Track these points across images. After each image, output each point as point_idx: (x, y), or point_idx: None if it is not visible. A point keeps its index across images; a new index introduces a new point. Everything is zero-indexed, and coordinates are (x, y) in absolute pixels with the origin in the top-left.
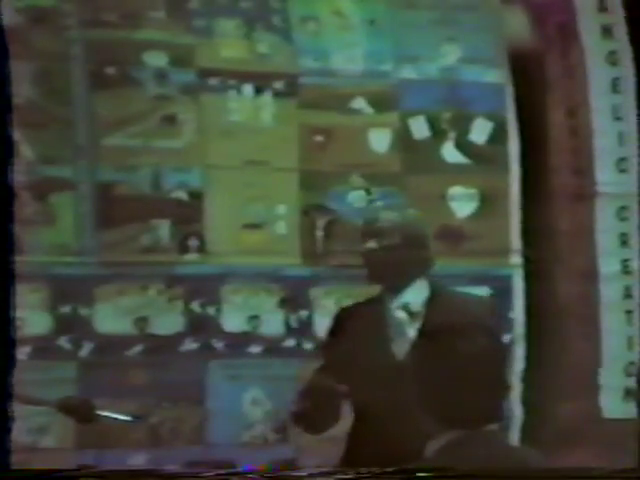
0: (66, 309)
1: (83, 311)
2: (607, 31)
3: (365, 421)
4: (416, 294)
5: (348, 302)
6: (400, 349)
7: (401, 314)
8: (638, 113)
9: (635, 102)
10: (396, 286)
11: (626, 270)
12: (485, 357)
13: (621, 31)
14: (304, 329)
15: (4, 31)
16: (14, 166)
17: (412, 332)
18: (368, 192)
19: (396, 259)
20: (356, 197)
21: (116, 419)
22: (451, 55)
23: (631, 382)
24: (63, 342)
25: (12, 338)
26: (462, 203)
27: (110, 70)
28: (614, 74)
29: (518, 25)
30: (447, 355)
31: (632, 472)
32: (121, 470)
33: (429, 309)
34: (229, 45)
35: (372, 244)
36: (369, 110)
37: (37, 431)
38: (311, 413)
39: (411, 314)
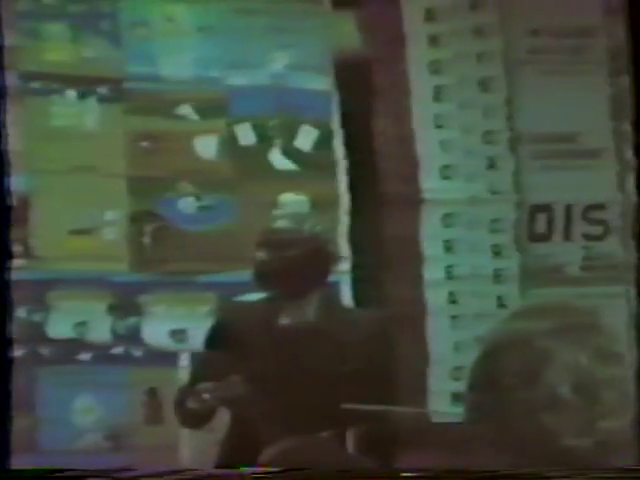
0: None
1: None
2: (433, 40)
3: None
4: (306, 306)
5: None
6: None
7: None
8: (637, 116)
9: (633, 105)
10: (288, 295)
11: (449, 276)
12: (326, 363)
13: (448, 40)
14: (132, 336)
15: None
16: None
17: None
18: (197, 199)
19: (291, 270)
20: (185, 204)
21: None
22: (280, 62)
23: (458, 386)
24: None
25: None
26: (292, 209)
27: None
28: (436, 82)
29: (347, 33)
30: (291, 360)
31: (633, 472)
32: (121, 470)
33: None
34: (54, 49)
35: (262, 254)
36: (195, 117)
37: None
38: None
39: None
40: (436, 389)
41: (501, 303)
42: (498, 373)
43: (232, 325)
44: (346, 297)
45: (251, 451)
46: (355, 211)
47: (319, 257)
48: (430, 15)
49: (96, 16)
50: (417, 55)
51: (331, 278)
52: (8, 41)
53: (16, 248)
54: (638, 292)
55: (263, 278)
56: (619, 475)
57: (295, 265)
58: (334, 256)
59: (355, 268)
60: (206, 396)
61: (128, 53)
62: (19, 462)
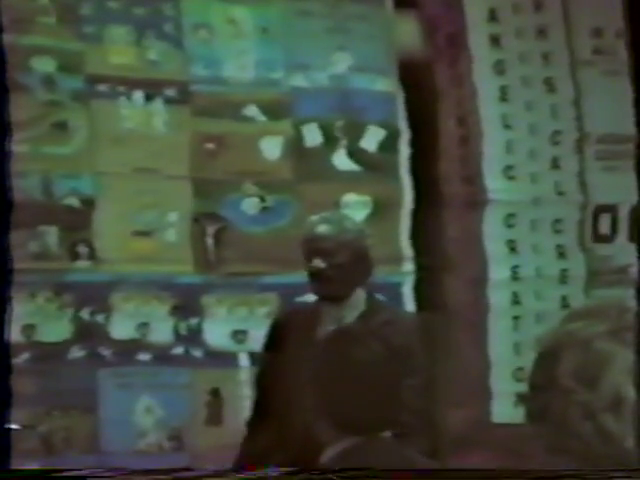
0: None
1: None
2: (495, 40)
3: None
4: (351, 308)
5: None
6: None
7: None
8: (638, 117)
9: (634, 107)
10: (337, 297)
11: (515, 276)
12: (380, 364)
13: (509, 41)
14: (193, 337)
15: None
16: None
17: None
18: (262, 199)
19: (343, 276)
20: (249, 205)
21: (6, 428)
22: (342, 63)
23: (520, 387)
24: None
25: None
26: (354, 211)
27: None
28: (502, 82)
29: (409, 34)
30: (342, 361)
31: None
32: (123, 470)
33: (363, 320)
34: (119, 52)
35: (319, 262)
36: (261, 117)
37: None
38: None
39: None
40: (498, 390)
41: (565, 304)
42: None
43: (288, 327)
44: (408, 298)
45: (311, 453)
46: (418, 212)
47: (363, 259)
48: (492, 15)
49: (159, 19)
50: (480, 55)
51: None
52: (73, 45)
53: (80, 250)
54: (637, 295)
55: (316, 285)
56: (621, 475)
57: (343, 270)
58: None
59: (418, 269)
60: None
61: (190, 55)
62: (81, 463)
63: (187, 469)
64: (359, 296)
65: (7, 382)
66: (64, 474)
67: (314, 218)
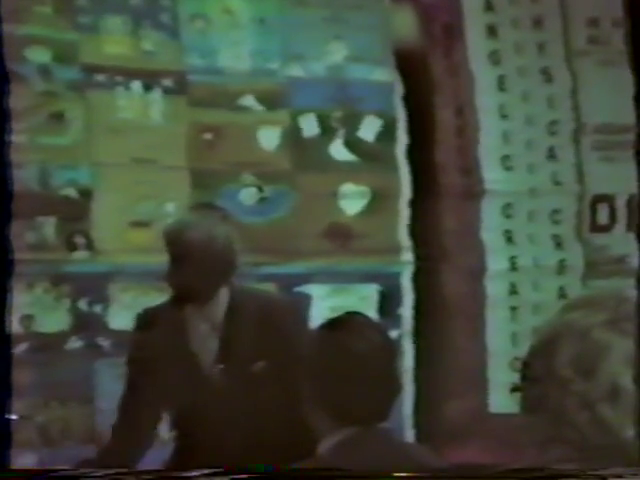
0: None
1: None
2: (491, 30)
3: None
4: (218, 305)
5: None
6: (205, 361)
7: (204, 326)
8: (637, 114)
9: (634, 103)
10: (199, 297)
11: (512, 267)
12: (378, 354)
13: (506, 30)
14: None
15: None
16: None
17: (214, 343)
18: (259, 190)
19: (203, 279)
20: (247, 195)
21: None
22: (338, 53)
23: (517, 378)
24: None
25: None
26: (352, 201)
27: None
28: (498, 72)
29: (406, 24)
30: (339, 351)
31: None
32: (123, 471)
33: (231, 316)
34: (114, 42)
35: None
36: (259, 108)
37: None
38: None
39: (214, 325)
40: (495, 381)
41: (562, 294)
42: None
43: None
44: (407, 288)
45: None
46: (416, 202)
47: (220, 261)
48: (489, 5)
49: (155, 9)
50: (476, 45)
51: None
52: (68, 35)
53: (78, 240)
54: (638, 285)
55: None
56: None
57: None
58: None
59: (416, 259)
60: None
61: (186, 45)
62: (80, 453)
63: (179, 469)
64: (222, 294)
65: (8, 373)
66: (62, 473)
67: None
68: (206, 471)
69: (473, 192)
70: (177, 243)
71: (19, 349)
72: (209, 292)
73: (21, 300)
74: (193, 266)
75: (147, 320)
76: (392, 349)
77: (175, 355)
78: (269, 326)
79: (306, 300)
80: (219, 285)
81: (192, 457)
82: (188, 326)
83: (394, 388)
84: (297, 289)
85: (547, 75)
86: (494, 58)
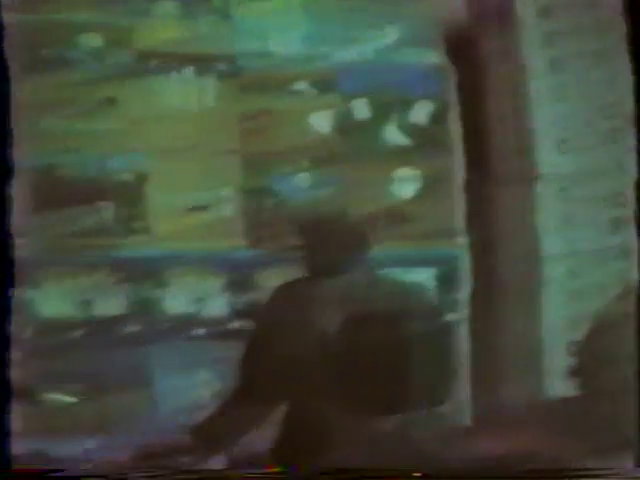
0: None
1: (27, 294)
2: (545, 11)
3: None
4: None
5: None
6: (327, 333)
7: (331, 299)
8: (637, 114)
9: (634, 99)
10: (328, 271)
11: (569, 251)
12: (432, 339)
13: (559, 11)
14: (249, 311)
15: None
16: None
17: (339, 317)
18: (312, 174)
19: (326, 247)
20: (300, 179)
21: (62, 402)
22: (390, 37)
23: (574, 361)
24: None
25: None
26: (405, 185)
27: (46, 52)
28: (552, 54)
29: (456, 6)
30: (393, 337)
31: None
32: (125, 471)
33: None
34: (167, 26)
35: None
36: (311, 92)
37: None
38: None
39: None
40: (551, 364)
41: (621, 278)
42: (609, 348)
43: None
44: (463, 272)
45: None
46: (470, 186)
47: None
48: None
49: None
50: (529, 27)
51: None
52: (121, 20)
53: (135, 225)
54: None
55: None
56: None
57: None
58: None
59: (471, 243)
60: None
61: (239, 29)
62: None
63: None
64: (354, 271)
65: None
66: (63, 474)
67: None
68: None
69: (529, 176)
70: (310, 220)
71: (77, 333)
72: (342, 265)
73: (80, 285)
74: (326, 240)
75: (280, 293)
76: (446, 334)
77: (298, 327)
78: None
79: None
80: (352, 260)
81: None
82: (316, 299)
83: (450, 373)
84: None
85: (604, 57)
86: (548, 40)
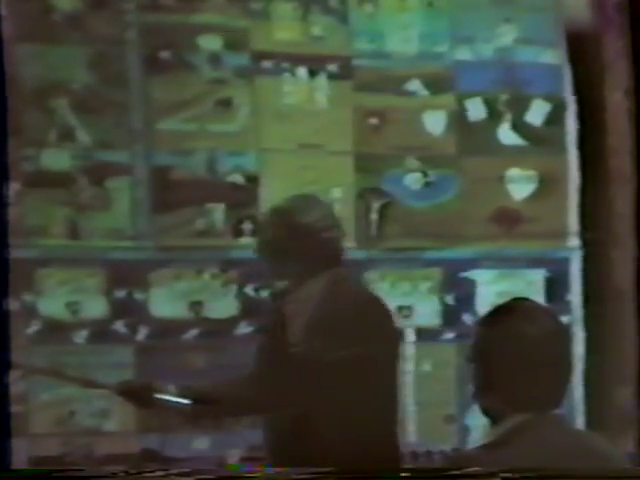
0: (121, 293)
1: (138, 295)
2: None
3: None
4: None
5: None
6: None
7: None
8: (637, 111)
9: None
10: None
11: None
12: (551, 340)
13: None
14: None
15: None
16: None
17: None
18: (425, 174)
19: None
20: (412, 180)
21: (176, 403)
22: (507, 36)
23: None
24: (119, 326)
25: (7, 338)
26: (520, 185)
27: (165, 54)
28: None
29: (576, 5)
30: (512, 337)
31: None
32: (126, 471)
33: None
34: (284, 27)
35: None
36: (424, 92)
37: (99, 415)
38: None
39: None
40: None
41: None
42: None
43: None
44: (576, 274)
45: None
46: (585, 186)
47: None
48: None
49: None
50: None
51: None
52: (239, 22)
53: (245, 226)
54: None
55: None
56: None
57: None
58: None
59: (584, 244)
60: None
61: (355, 30)
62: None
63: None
64: (323, 278)
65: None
66: (64, 474)
67: None
68: None
69: None
70: (279, 226)
71: (190, 334)
72: (308, 274)
73: (190, 286)
74: (294, 248)
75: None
76: (565, 334)
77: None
78: (360, 317)
79: None
80: (320, 269)
81: None
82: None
83: (567, 374)
84: (463, 274)
85: None
86: None
